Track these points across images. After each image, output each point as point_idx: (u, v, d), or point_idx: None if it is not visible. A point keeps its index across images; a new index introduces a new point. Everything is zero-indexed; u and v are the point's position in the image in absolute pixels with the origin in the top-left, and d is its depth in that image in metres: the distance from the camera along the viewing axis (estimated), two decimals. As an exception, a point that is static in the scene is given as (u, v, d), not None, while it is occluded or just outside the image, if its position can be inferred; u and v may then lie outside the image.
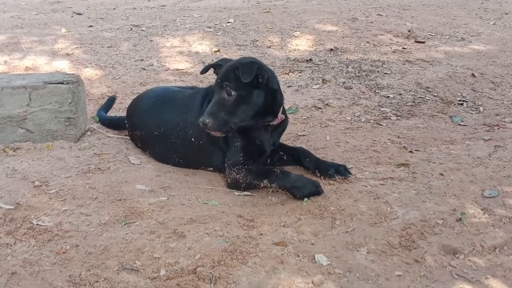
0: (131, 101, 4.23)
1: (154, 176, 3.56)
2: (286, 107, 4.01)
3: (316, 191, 3.32)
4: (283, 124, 3.70)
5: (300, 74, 5.62)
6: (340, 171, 3.58)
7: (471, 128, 4.46)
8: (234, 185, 3.45)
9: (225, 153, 3.56)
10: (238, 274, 2.57)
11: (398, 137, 4.27)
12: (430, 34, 7.13)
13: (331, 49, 6.37)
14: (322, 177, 3.56)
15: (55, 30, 7.00)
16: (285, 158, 3.73)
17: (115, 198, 3.24)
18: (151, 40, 6.56)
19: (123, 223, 2.98)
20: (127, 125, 4.03)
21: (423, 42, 6.79)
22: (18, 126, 3.89)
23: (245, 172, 3.39)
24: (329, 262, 2.68)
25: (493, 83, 5.49)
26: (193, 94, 3.84)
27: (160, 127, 3.75)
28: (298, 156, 3.70)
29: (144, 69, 5.66)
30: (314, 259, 2.70)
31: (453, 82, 5.49)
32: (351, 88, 5.27)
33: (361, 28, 7.22)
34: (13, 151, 3.83)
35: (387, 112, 4.78)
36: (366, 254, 2.76)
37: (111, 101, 4.59)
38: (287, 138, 4.10)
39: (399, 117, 4.69)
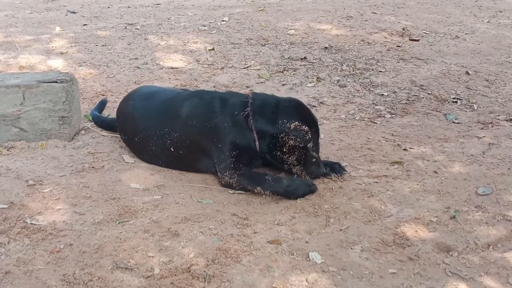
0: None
1: (148, 174, 3.56)
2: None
3: (310, 190, 3.32)
4: None
5: (294, 72, 5.62)
6: (335, 169, 3.58)
7: (465, 126, 4.48)
8: (228, 186, 3.44)
9: (213, 158, 3.50)
10: (232, 273, 2.57)
11: (392, 135, 4.28)
12: (424, 32, 7.14)
13: (326, 47, 6.37)
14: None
15: (49, 29, 6.98)
16: None
17: (109, 197, 3.23)
18: (145, 39, 6.55)
19: (117, 222, 2.98)
20: (117, 126, 4.02)
21: (418, 40, 6.79)
22: (12, 125, 3.88)
23: (238, 177, 3.37)
24: (323, 260, 2.68)
25: (487, 81, 5.50)
26: (179, 98, 3.75)
27: (145, 131, 3.69)
28: None
29: (139, 68, 5.65)
30: (308, 257, 2.70)
31: (447, 80, 5.50)
32: (345, 86, 5.28)
33: (355, 26, 7.22)
34: (7, 150, 3.82)
35: (381, 110, 4.79)
36: (360, 252, 2.76)
37: (102, 103, 4.56)
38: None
39: (393, 115, 4.70)
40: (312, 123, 3.51)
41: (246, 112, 3.48)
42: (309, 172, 3.48)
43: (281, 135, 3.40)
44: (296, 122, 3.37)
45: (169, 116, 3.64)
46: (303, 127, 3.37)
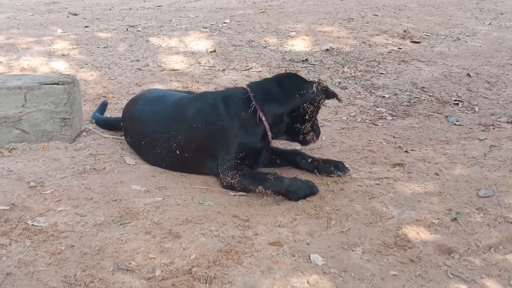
0: (127, 102, 4.21)
1: (150, 176, 3.56)
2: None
3: (311, 192, 3.32)
4: None
5: (296, 74, 5.62)
6: (339, 167, 3.61)
7: (467, 128, 4.47)
8: (229, 187, 3.43)
9: (217, 160, 3.50)
10: (233, 274, 2.57)
11: (394, 137, 4.28)
12: (425, 34, 7.14)
13: (327, 49, 6.37)
14: (319, 175, 3.59)
15: (51, 30, 6.99)
16: (278, 161, 3.72)
17: (111, 198, 3.23)
18: (147, 41, 6.56)
19: (119, 223, 2.98)
20: (122, 127, 4.02)
21: (419, 42, 6.79)
22: (13, 127, 3.89)
23: (239, 178, 3.37)
24: (324, 262, 2.68)
25: (488, 83, 5.50)
26: (183, 101, 3.76)
27: (151, 134, 3.69)
28: (294, 159, 3.70)
29: (140, 70, 5.66)
30: (310, 259, 2.70)
31: (448, 82, 5.50)
32: (346, 88, 5.28)
33: (357, 28, 7.23)
34: (9, 151, 3.82)
35: (382, 112, 4.79)
36: (361, 254, 2.76)
37: (104, 105, 4.57)
38: (283, 138, 4.10)
39: (394, 117, 4.70)
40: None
41: (253, 107, 3.49)
42: (317, 133, 3.73)
43: (305, 104, 3.52)
44: (315, 84, 3.54)
45: (174, 120, 3.64)
46: (322, 83, 3.58)
